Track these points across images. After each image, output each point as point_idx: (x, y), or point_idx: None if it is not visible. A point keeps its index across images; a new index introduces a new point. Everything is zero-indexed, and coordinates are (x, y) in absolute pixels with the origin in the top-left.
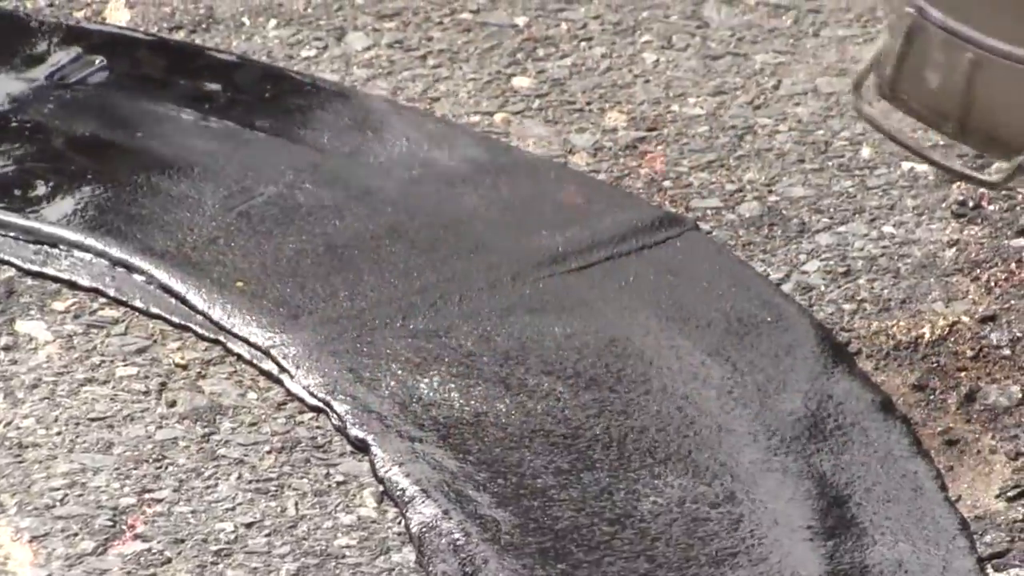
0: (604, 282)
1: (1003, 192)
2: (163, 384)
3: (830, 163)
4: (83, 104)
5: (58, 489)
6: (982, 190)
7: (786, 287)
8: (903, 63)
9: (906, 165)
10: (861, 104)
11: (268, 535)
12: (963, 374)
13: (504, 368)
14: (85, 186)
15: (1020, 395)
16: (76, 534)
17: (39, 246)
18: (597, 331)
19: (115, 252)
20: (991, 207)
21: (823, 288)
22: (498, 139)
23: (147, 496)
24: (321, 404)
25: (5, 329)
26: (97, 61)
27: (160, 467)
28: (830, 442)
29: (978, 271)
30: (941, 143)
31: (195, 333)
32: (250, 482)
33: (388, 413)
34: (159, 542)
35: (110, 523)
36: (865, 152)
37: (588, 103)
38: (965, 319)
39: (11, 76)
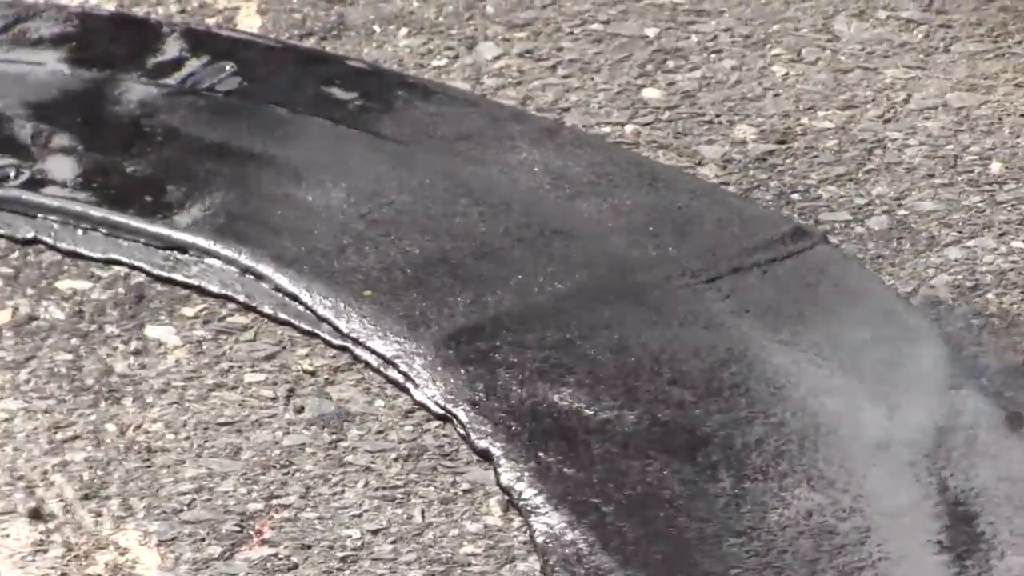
0: (732, 294)
1: None
2: (291, 390)
3: (959, 177)
4: (213, 110)
5: (186, 494)
6: None
7: (914, 301)
8: None
9: None
10: None
11: (394, 542)
12: None
13: (632, 378)
14: (215, 192)
15: None
16: (203, 539)
17: (169, 252)
18: (725, 342)
19: (244, 259)
20: None
21: (951, 302)
22: (628, 150)
23: (274, 502)
24: (447, 413)
25: (135, 334)
26: (228, 67)
27: (287, 473)
28: (958, 457)
29: None
30: None
31: (323, 340)
32: (377, 489)
33: (513, 422)
34: (286, 548)
35: (237, 528)
36: (995, 167)
37: (717, 115)
38: None
39: (143, 82)
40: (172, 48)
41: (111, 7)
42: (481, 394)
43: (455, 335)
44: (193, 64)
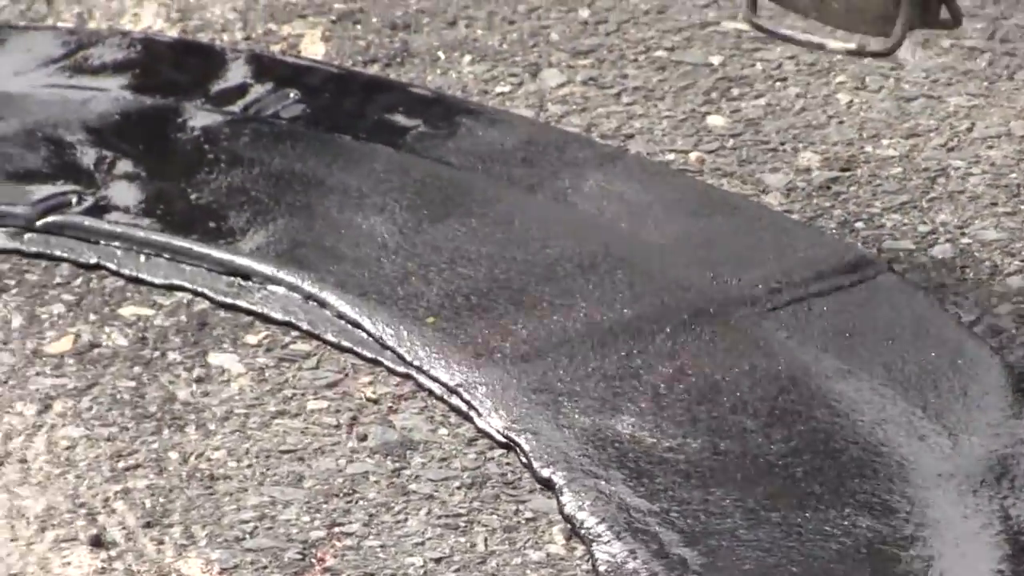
0: (796, 322)
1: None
2: (354, 418)
3: (1023, 206)
4: (277, 137)
5: (248, 521)
6: None
7: (977, 329)
8: None
9: None
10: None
11: (457, 570)
12: None
13: (695, 406)
14: (278, 219)
15: None
16: (266, 567)
17: (232, 278)
18: (787, 370)
19: (307, 285)
20: None
21: (1014, 331)
22: (692, 177)
23: (337, 530)
24: (509, 441)
25: (198, 361)
26: (291, 94)
27: (350, 501)
28: (1021, 485)
29: None
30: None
31: (387, 368)
32: (440, 517)
33: (576, 451)
34: None
35: (300, 556)
36: None
37: (782, 143)
38: None
39: (206, 108)
40: (236, 75)
41: (174, 33)
42: (544, 422)
43: (518, 362)
44: (257, 91)
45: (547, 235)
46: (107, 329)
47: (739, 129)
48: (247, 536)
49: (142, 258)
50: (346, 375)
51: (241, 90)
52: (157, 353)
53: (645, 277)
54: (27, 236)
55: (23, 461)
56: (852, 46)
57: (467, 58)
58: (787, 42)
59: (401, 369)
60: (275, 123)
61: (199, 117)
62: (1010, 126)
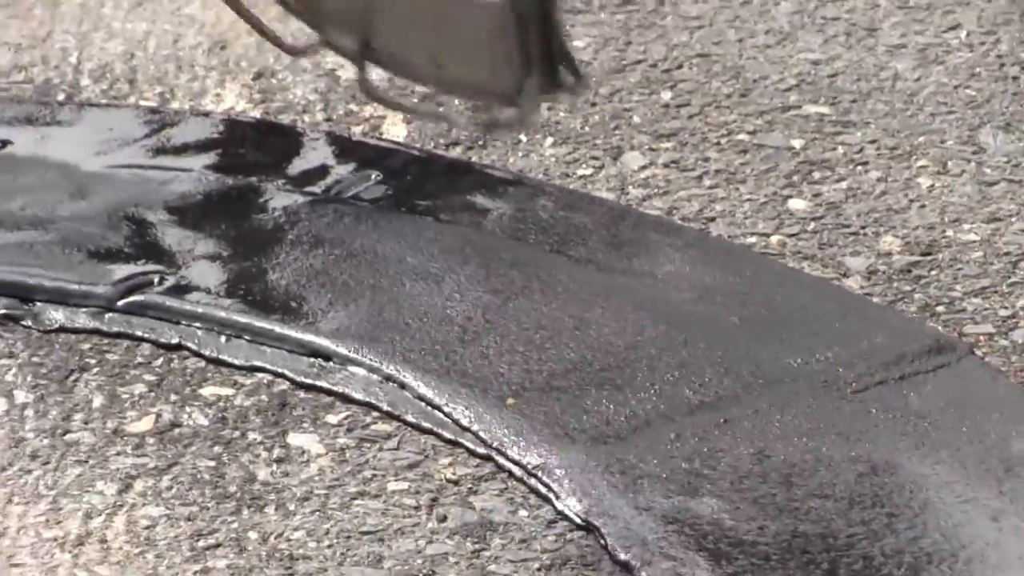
0: (877, 406)
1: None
2: (434, 499)
3: None
4: (358, 218)
5: None
6: None
7: None
8: None
9: None
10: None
11: None
12: None
13: (776, 490)
14: (359, 300)
15: None
16: None
17: (313, 359)
18: (869, 454)
19: (388, 367)
20: None
21: None
22: (773, 260)
23: None
24: (589, 523)
25: (278, 441)
26: (373, 176)
27: None
28: None
29: None
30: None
31: (467, 449)
32: None
33: (654, 534)
34: None
35: None
36: None
37: (863, 226)
38: None
39: (287, 189)
40: (317, 156)
41: (256, 114)
42: (623, 504)
43: (597, 444)
44: (338, 172)
45: (627, 317)
46: (188, 409)
47: (820, 212)
48: None
49: (223, 338)
50: (426, 456)
51: (322, 171)
52: (237, 433)
53: (725, 359)
54: (108, 316)
55: (103, 541)
56: (480, 117)
57: (549, 140)
58: (407, 111)
59: (481, 450)
60: (356, 204)
61: (280, 198)
62: None
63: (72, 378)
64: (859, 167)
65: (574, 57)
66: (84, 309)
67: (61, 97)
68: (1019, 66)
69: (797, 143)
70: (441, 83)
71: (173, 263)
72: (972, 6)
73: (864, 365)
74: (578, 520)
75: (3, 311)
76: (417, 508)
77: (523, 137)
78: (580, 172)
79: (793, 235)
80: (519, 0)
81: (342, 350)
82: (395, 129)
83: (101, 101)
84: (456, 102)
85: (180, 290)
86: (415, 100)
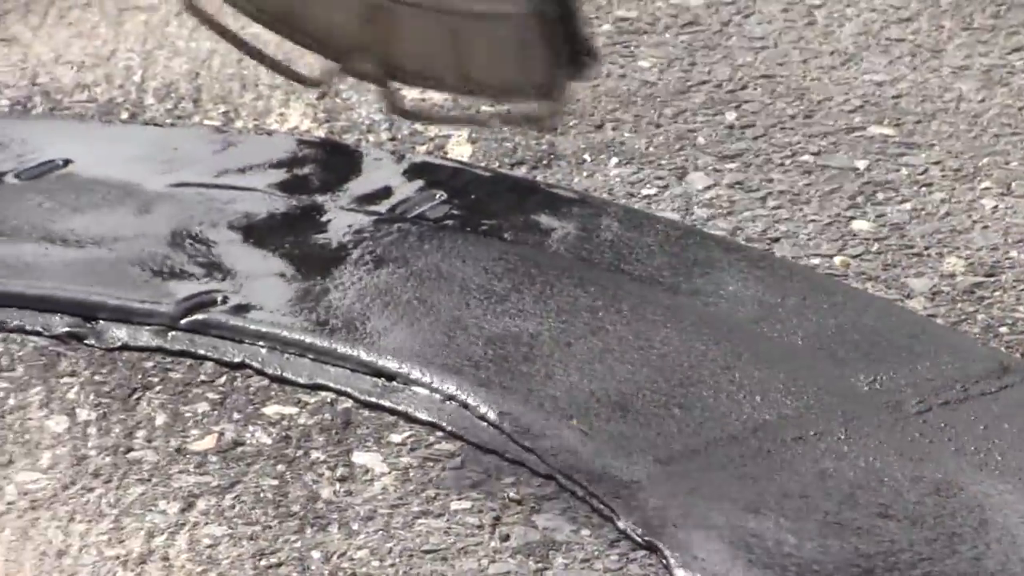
0: (940, 427)
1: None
2: (497, 518)
3: None
4: (422, 238)
5: None
6: None
7: None
8: None
9: None
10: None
11: None
12: None
13: (839, 509)
14: (423, 319)
15: None
16: None
17: (377, 378)
18: (932, 475)
19: (451, 386)
20: None
21: None
22: (837, 281)
23: None
24: (651, 543)
25: (341, 460)
26: (437, 195)
27: None
28: None
29: None
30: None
31: (530, 469)
32: None
33: (715, 556)
34: None
35: None
36: None
37: (927, 247)
38: None
39: (352, 208)
40: (381, 175)
41: (321, 134)
42: (686, 524)
43: (660, 464)
44: (403, 191)
45: (691, 337)
46: (251, 427)
47: (884, 233)
48: None
49: (286, 357)
50: (489, 475)
51: (387, 191)
52: (301, 452)
53: (789, 380)
54: (171, 334)
55: (165, 559)
56: (515, 115)
57: (613, 160)
58: (444, 122)
59: (544, 470)
60: (421, 224)
61: (344, 217)
62: None
63: (135, 396)
64: (923, 188)
65: (590, 40)
66: (147, 327)
67: (125, 116)
68: None
69: (861, 164)
70: (469, 90)
71: (236, 282)
72: None
73: (927, 386)
74: (640, 539)
75: (66, 329)
76: (480, 527)
77: (588, 157)
78: (645, 192)
79: (857, 256)
80: (543, 4)
81: (405, 369)
82: (459, 148)
83: (165, 120)
84: (486, 106)
85: (243, 309)
86: (445, 110)
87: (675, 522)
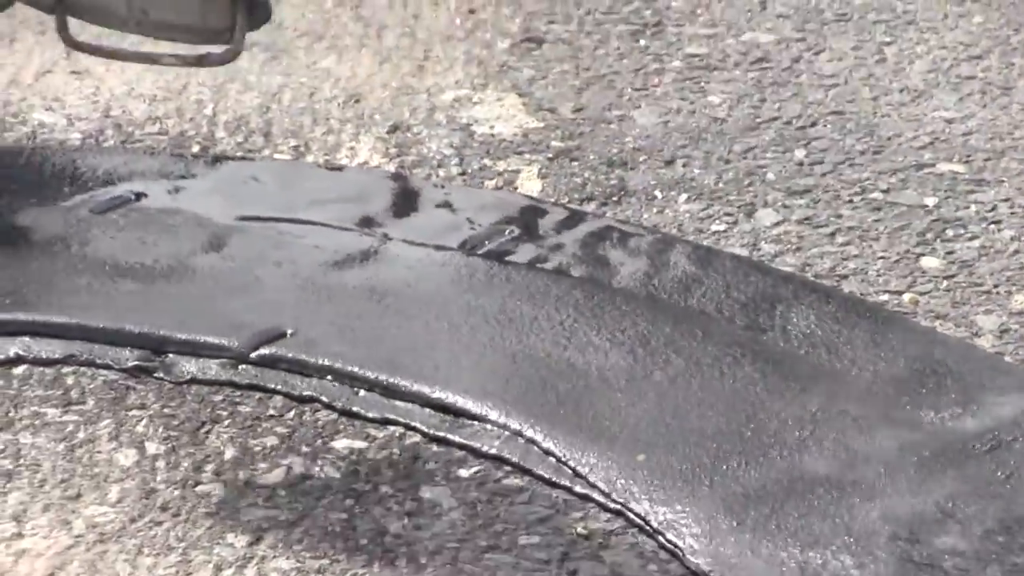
0: (1011, 465)
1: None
2: (565, 553)
3: None
4: (490, 273)
5: None
6: None
7: None
8: None
9: None
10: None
11: None
12: None
13: (905, 546)
14: (490, 355)
15: None
16: None
17: (444, 413)
18: (1000, 514)
19: (518, 422)
20: None
21: None
22: (906, 318)
23: None
24: None
25: (409, 495)
26: (507, 231)
27: None
28: None
29: None
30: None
31: (598, 504)
32: None
33: None
34: None
35: None
36: None
37: (996, 285)
38: None
39: (421, 243)
40: (451, 210)
41: (391, 168)
42: (752, 560)
43: (727, 501)
44: (472, 227)
45: (758, 375)
46: (319, 461)
47: (953, 271)
48: None
49: (355, 391)
50: (557, 510)
51: (456, 226)
52: (369, 486)
53: (857, 418)
54: (240, 368)
55: None
56: (187, 55)
57: (683, 196)
58: (114, 58)
59: (612, 505)
60: (489, 259)
61: (413, 252)
62: None
63: (204, 430)
64: (992, 225)
65: None
66: (216, 361)
67: (196, 149)
68: None
69: (930, 201)
70: (146, 28)
71: (305, 316)
72: None
73: (997, 424)
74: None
75: (136, 363)
76: (548, 562)
77: (658, 193)
78: (714, 228)
79: (926, 293)
80: None
81: (473, 404)
82: (530, 183)
83: (236, 154)
84: (163, 44)
85: (312, 343)
86: (119, 46)
87: (741, 559)
